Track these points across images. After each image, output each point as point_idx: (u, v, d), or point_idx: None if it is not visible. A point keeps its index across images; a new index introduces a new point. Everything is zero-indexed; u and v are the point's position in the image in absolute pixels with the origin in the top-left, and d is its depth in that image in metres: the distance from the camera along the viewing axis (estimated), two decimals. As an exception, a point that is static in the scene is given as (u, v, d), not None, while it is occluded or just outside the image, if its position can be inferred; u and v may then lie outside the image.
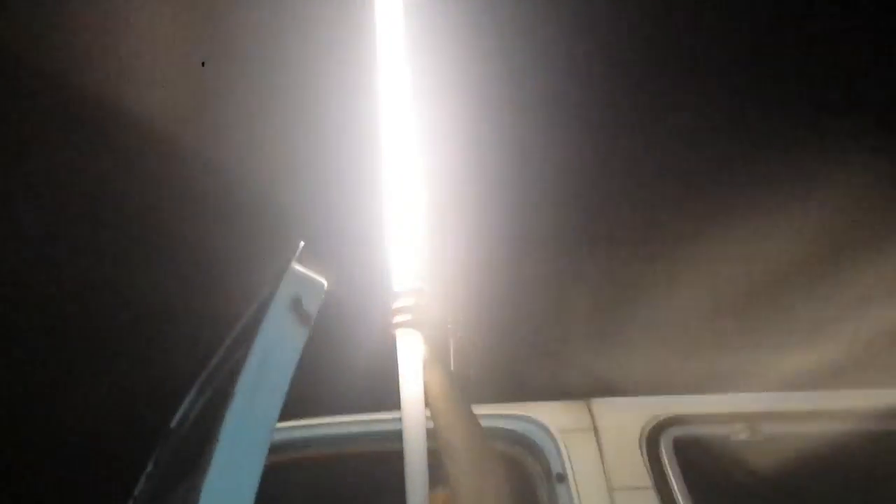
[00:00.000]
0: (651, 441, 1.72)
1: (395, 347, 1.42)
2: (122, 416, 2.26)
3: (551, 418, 1.82)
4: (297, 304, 1.28)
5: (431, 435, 1.37)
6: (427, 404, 1.38)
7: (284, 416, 1.23)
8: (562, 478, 1.69)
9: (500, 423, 1.79)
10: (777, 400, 1.78)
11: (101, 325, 2.49)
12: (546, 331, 2.24)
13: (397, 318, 1.42)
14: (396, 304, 1.42)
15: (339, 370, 2.15)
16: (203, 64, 2.29)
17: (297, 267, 1.34)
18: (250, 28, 2.30)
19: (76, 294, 2.49)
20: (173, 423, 1.72)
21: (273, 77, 2.37)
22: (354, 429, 1.84)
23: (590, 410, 1.92)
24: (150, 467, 1.71)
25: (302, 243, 1.44)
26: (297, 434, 1.77)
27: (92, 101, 2.32)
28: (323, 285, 1.34)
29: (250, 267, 2.16)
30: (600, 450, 1.74)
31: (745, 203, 2.56)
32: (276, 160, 2.32)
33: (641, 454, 1.71)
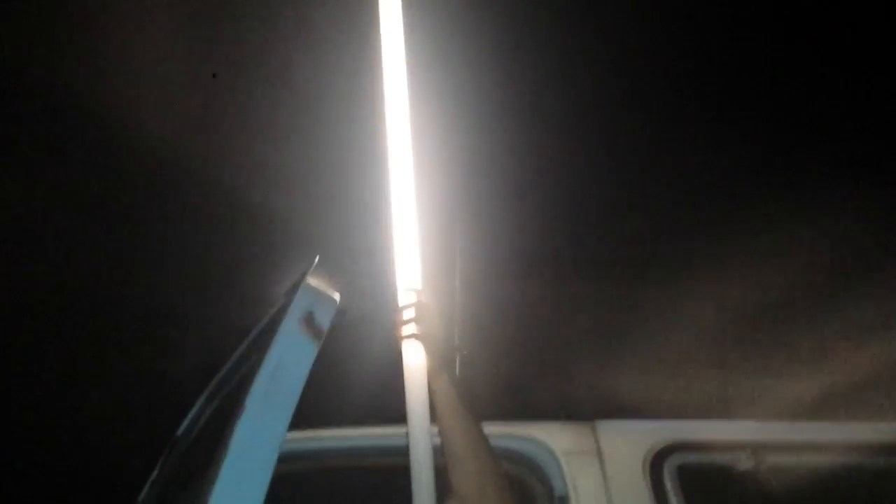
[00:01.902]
0: (655, 467, 1.72)
1: (402, 359, 1.42)
2: (128, 422, 2.27)
3: (555, 439, 1.82)
4: (309, 319, 1.30)
5: (438, 450, 1.37)
6: (434, 418, 1.39)
7: (293, 425, 1.24)
8: (564, 501, 1.68)
9: (504, 443, 1.79)
10: (782, 430, 1.77)
11: (108, 331, 2.50)
12: (553, 351, 2.25)
13: (403, 330, 1.42)
14: (402, 317, 1.43)
15: (349, 381, 2.16)
16: (214, 76, 2.32)
17: (311, 281, 1.35)
18: (262, 40, 2.32)
19: (84, 299, 2.50)
20: (180, 431, 1.73)
21: (284, 89, 2.40)
22: (364, 442, 1.84)
23: (594, 433, 1.92)
24: (155, 474, 1.71)
25: (317, 257, 1.46)
26: (306, 445, 1.77)
27: (104, 111, 2.34)
28: (335, 300, 1.35)
29: (262, 276, 2.17)
30: (604, 474, 1.74)
31: (753, 229, 2.57)
32: (291, 171, 2.34)
33: (645, 480, 1.70)
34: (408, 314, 1.42)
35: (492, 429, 1.59)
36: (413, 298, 1.44)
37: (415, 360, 1.41)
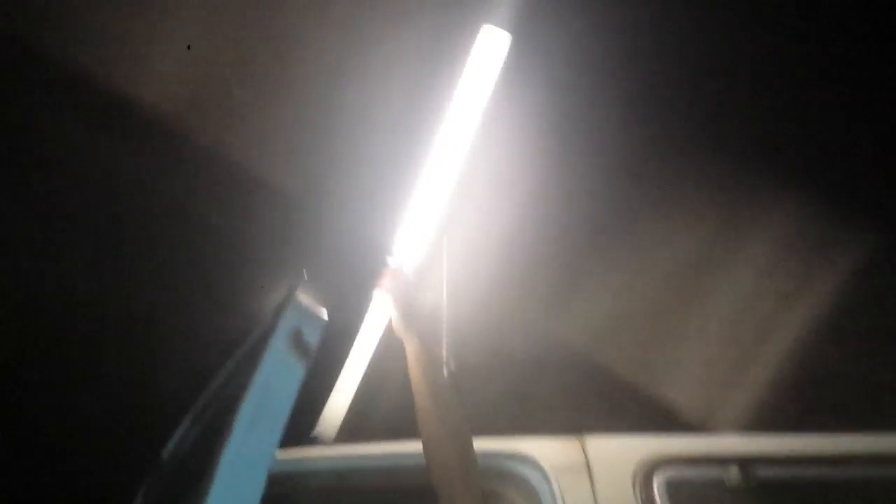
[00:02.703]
0: (645, 481, 1.71)
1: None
2: (111, 444, 2.22)
3: (544, 455, 1.81)
4: (297, 337, 1.28)
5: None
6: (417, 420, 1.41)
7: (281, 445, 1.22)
8: (553, 517, 1.67)
9: (491, 459, 1.78)
10: (773, 443, 1.77)
11: (89, 344, 2.44)
12: (542, 362, 2.24)
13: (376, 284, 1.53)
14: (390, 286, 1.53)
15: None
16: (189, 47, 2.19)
17: (299, 298, 1.34)
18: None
19: (69, 309, 2.44)
20: (165, 454, 1.70)
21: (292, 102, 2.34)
22: (355, 462, 1.82)
23: (583, 448, 1.91)
24: (139, 499, 1.68)
25: (305, 273, 1.45)
26: (294, 466, 1.75)
27: (121, 108, 2.27)
28: (324, 318, 1.34)
29: (250, 291, 2.15)
30: (593, 489, 1.73)
31: (762, 241, 2.54)
32: (289, 185, 2.31)
33: (634, 495, 1.70)
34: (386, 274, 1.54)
35: (478, 444, 1.58)
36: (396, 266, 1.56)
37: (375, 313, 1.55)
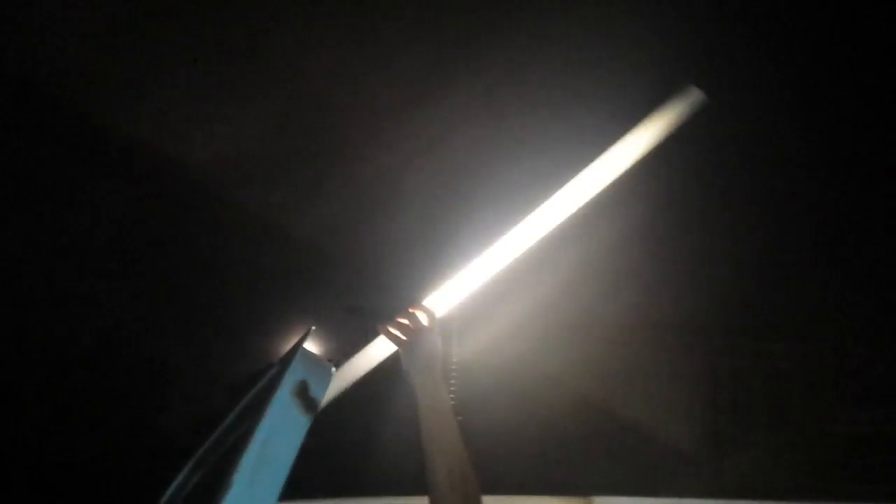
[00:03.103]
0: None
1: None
2: (109, 488, 2.18)
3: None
4: (303, 390, 1.27)
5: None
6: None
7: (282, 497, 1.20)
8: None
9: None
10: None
11: (86, 384, 2.41)
12: (552, 424, 2.20)
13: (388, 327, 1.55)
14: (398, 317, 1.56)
15: (341, 451, 2.10)
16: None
17: (307, 351, 1.33)
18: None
19: (74, 349, 2.42)
20: (163, 501, 1.67)
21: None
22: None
23: (591, 510, 1.87)
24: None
25: (313, 327, 1.44)
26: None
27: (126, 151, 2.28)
28: (331, 371, 1.32)
29: (261, 333, 2.13)
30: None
31: None
32: (301, 230, 2.29)
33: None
34: (404, 318, 1.56)
35: (486, 501, 1.54)
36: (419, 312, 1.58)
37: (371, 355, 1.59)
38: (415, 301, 1.63)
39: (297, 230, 2.26)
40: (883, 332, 2.27)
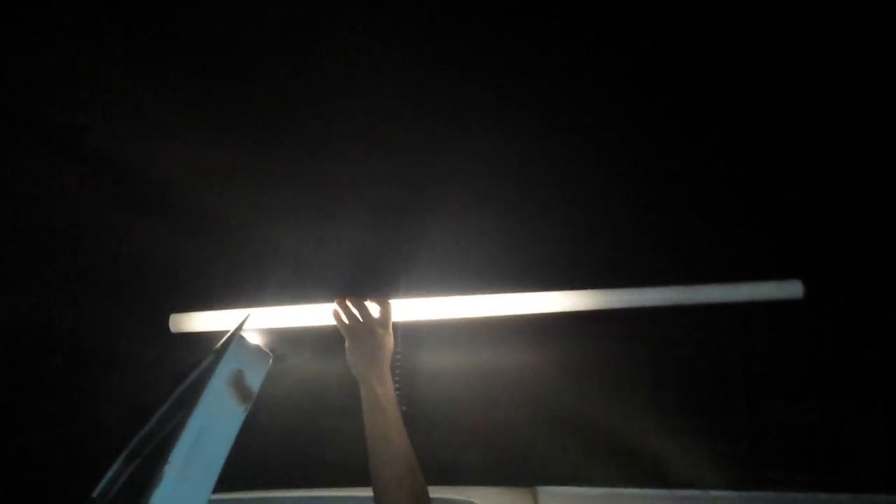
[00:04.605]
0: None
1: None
2: (38, 482, 2.11)
3: (494, 505, 1.77)
4: (238, 379, 1.23)
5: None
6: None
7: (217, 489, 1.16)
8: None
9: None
10: (726, 499, 1.76)
11: (14, 374, 2.32)
12: (495, 412, 2.20)
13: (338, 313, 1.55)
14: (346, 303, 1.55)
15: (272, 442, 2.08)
16: None
17: (243, 339, 1.29)
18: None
19: (9, 336, 2.33)
20: (95, 493, 1.62)
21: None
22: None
23: (535, 499, 1.88)
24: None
25: (248, 314, 1.41)
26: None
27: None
28: (268, 360, 1.29)
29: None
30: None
31: None
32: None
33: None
34: (355, 305, 1.55)
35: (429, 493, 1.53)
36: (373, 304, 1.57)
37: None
38: (373, 293, 1.62)
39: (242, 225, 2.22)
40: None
